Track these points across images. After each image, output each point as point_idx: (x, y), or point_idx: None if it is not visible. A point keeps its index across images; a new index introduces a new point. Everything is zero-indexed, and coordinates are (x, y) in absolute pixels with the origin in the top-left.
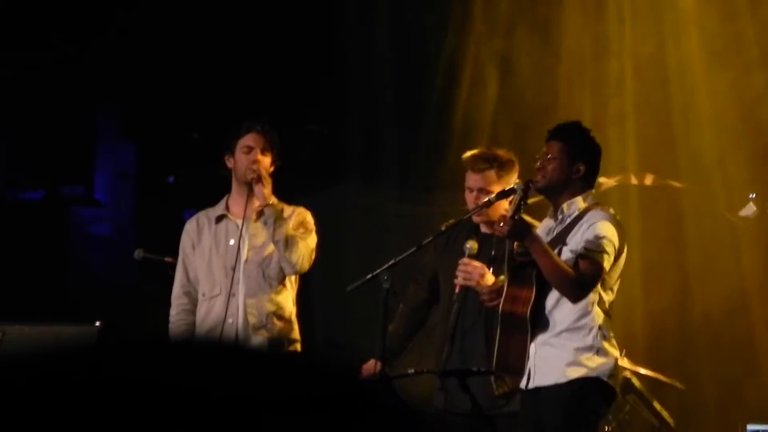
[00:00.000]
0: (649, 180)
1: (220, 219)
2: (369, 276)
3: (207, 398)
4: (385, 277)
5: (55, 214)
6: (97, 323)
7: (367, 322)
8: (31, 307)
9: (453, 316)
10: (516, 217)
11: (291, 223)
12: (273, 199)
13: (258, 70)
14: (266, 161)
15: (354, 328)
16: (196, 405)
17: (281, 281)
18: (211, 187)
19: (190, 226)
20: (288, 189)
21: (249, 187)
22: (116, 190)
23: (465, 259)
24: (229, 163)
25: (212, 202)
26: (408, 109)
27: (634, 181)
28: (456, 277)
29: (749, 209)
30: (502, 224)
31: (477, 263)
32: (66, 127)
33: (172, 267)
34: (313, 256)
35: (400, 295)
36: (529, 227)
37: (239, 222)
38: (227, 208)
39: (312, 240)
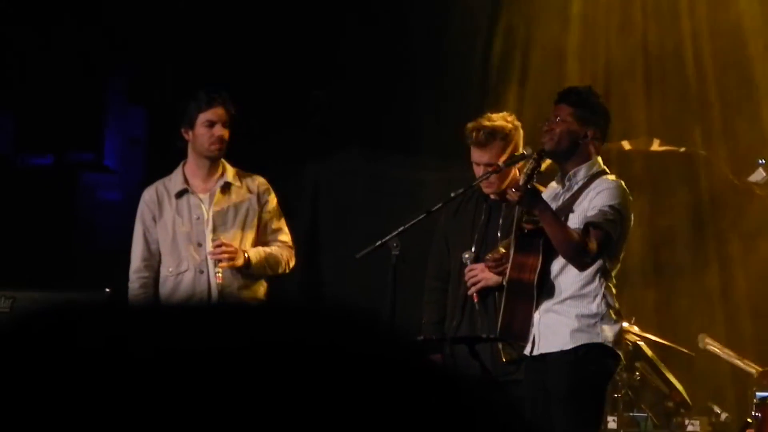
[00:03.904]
0: (656, 145)
1: (181, 194)
2: (378, 243)
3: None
4: (395, 244)
5: (65, 180)
6: (107, 290)
7: (377, 290)
8: (41, 273)
9: (464, 285)
10: (528, 186)
11: (258, 205)
12: (230, 171)
13: (266, 34)
14: (226, 134)
15: (364, 296)
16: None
17: None
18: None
19: (148, 195)
20: (296, 154)
21: (210, 161)
22: (126, 156)
23: (467, 269)
24: (187, 136)
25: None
26: (418, 74)
27: (654, 147)
28: (467, 279)
29: (758, 175)
30: (514, 190)
31: (476, 265)
32: (75, 93)
33: None
34: (292, 246)
35: (429, 274)
36: (540, 197)
37: (202, 196)
38: (186, 181)
39: (285, 230)
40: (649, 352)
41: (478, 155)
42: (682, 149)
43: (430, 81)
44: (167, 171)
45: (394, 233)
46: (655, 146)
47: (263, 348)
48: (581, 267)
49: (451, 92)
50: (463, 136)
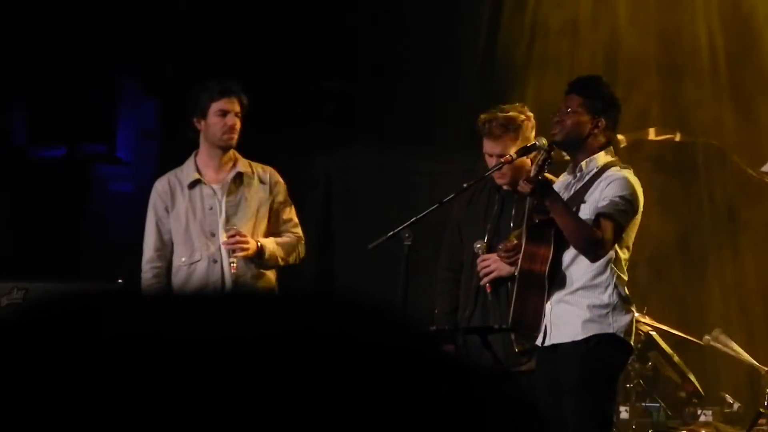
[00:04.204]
0: (652, 134)
1: (193, 184)
2: (390, 233)
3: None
4: (407, 234)
5: (78, 171)
6: (119, 281)
7: (390, 280)
8: (54, 264)
9: (476, 275)
10: (539, 177)
11: (270, 196)
12: (242, 162)
13: (277, 26)
14: (238, 124)
15: (376, 286)
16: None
17: None
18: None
19: (160, 186)
20: (308, 146)
21: (222, 151)
22: (138, 148)
23: (479, 259)
24: (200, 126)
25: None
26: (427, 66)
27: (650, 136)
28: (480, 270)
29: None
30: (525, 181)
31: (489, 255)
32: (88, 85)
33: None
34: (302, 236)
35: (441, 264)
36: (551, 187)
37: (215, 187)
38: (199, 172)
39: (296, 221)
40: (661, 343)
41: (490, 146)
42: (677, 138)
43: (442, 73)
44: (180, 163)
45: (406, 224)
46: (651, 135)
47: (275, 337)
48: (593, 258)
49: (464, 83)
50: (476, 127)
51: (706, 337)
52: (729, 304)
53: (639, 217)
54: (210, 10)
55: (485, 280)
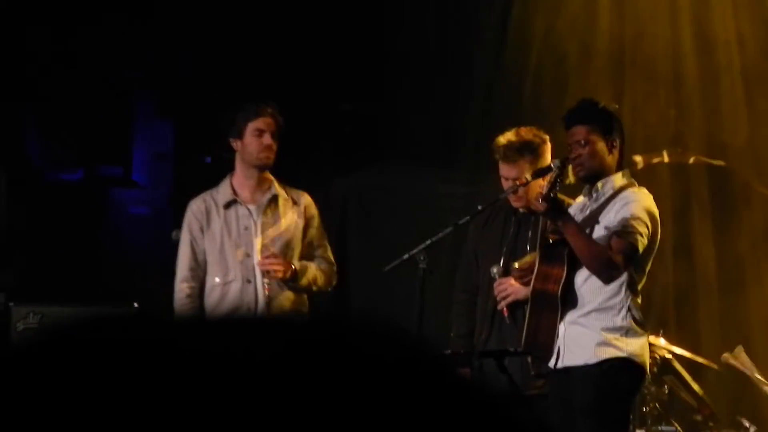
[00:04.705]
0: (641, 163)
1: (229, 205)
2: (406, 256)
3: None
4: (422, 257)
5: (94, 194)
6: (135, 304)
7: (405, 303)
8: (70, 288)
9: (492, 299)
10: (551, 196)
11: (303, 220)
12: (277, 185)
13: (294, 48)
14: (275, 144)
15: (391, 309)
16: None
17: None
18: None
19: (196, 206)
20: (324, 168)
21: (258, 170)
22: (154, 171)
23: (496, 283)
24: (236, 146)
25: None
26: (447, 88)
27: (670, 159)
28: (497, 293)
29: None
30: (540, 200)
31: (505, 279)
32: (104, 108)
33: None
34: (334, 263)
35: (457, 287)
36: (564, 207)
37: (251, 207)
38: (234, 193)
39: (328, 247)
40: (677, 366)
41: (506, 170)
42: (666, 160)
43: (460, 95)
44: (194, 185)
45: (421, 246)
46: (640, 164)
47: (290, 359)
48: (606, 279)
49: (482, 107)
50: (492, 151)
51: (724, 355)
52: (751, 326)
53: (656, 238)
54: (225, 33)
55: (502, 303)
